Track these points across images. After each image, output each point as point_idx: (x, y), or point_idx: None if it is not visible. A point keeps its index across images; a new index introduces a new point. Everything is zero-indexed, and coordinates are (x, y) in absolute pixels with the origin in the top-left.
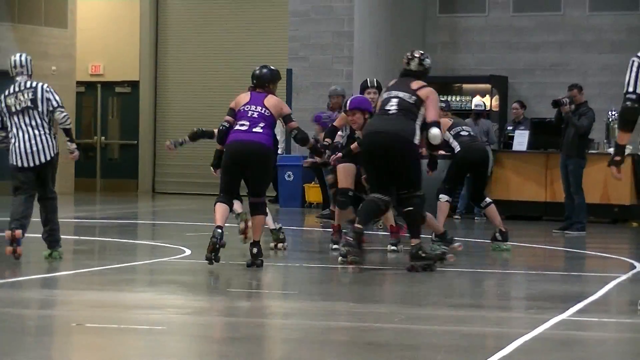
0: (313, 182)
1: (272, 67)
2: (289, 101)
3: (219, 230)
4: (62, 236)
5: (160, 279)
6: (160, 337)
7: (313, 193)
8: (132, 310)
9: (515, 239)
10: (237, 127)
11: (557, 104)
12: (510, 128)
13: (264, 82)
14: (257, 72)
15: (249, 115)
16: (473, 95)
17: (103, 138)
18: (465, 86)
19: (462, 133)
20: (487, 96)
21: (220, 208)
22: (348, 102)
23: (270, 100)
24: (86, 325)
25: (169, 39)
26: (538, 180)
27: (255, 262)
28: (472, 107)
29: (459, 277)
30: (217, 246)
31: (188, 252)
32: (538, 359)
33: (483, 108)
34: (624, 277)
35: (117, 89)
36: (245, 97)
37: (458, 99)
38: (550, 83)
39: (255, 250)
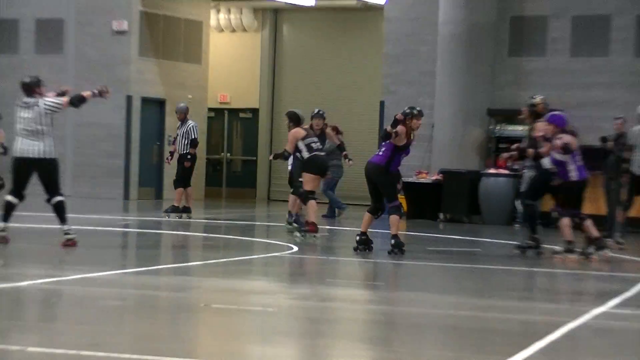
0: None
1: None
2: (382, 127)
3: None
4: (194, 233)
5: (271, 270)
6: (271, 318)
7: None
8: (249, 295)
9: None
10: None
11: (604, 139)
12: None
13: None
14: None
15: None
16: None
17: (228, 154)
18: None
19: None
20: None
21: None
22: None
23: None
24: (212, 306)
25: (284, 74)
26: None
27: (394, 250)
28: None
29: (514, 274)
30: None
31: (295, 248)
32: (581, 345)
33: None
34: None
35: (241, 115)
36: None
37: (521, 128)
38: (597, 117)
39: (393, 241)
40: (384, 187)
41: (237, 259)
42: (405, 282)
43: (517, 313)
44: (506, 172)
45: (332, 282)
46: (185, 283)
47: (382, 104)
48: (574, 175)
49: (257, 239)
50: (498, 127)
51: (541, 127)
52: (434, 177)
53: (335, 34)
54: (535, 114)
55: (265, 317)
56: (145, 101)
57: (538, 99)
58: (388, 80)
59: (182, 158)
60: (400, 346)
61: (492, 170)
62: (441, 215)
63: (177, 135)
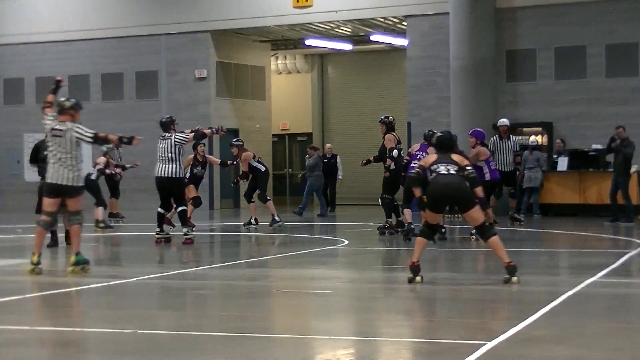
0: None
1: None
2: (409, 144)
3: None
4: (264, 234)
5: (328, 260)
6: (329, 299)
7: None
8: (310, 281)
9: (566, 229)
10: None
11: (611, 139)
12: (555, 156)
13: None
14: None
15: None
16: (529, 135)
17: (290, 170)
18: (525, 129)
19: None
20: (539, 136)
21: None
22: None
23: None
24: (282, 291)
25: (330, 104)
26: (574, 190)
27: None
28: (529, 143)
29: (521, 255)
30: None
31: (346, 242)
32: (578, 309)
33: (536, 144)
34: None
35: (298, 138)
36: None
37: (520, 138)
38: (580, 127)
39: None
40: None
41: (299, 252)
42: (437, 266)
43: (524, 285)
44: None
45: (378, 268)
46: (259, 274)
47: (409, 124)
48: (488, 176)
49: (315, 236)
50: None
51: (391, 138)
52: None
53: (369, 71)
54: (388, 128)
55: (325, 298)
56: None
57: (390, 117)
58: (412, 105)
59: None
60: (432, 316)
61: None
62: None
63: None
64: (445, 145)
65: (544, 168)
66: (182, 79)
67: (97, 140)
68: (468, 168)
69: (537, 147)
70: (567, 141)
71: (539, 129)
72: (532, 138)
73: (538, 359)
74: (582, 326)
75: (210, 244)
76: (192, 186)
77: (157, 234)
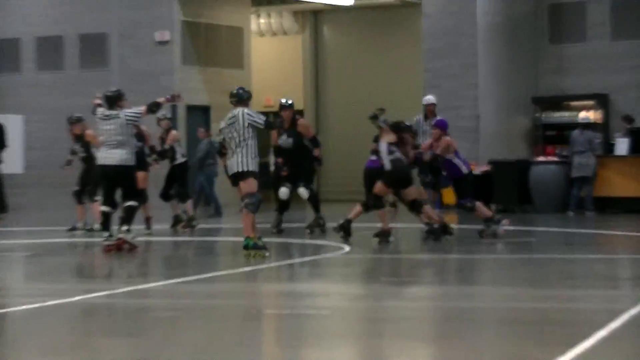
0: (449, 187)
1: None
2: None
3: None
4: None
5: (325, 271)
6: (326, 321)
7: (449, 196)
8: (301, 298)
9: (627, 229)
10: None
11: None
12: (614, 138)
13: None
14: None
15: None
16: (578, 111)
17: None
18: (573, 103)
19: None
20: (592, 111)
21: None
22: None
23: None
24: (265, 312)
25: (327, 74)
26: (637, 180)
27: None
28: (579, 121)
29: (572, 262)
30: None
31: (347, 248)
32: None
33: (587, 121)
34: None
35: None
36: None
37: (567, 114)
38: None
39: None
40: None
41: (289, 262)
42: (459, 277)
43: (576, 302)
44: (556, 159)
45: (386, 281)
46: (236, 290)
47: None
48: (464, 169)
49: (309, 241)
50: (543, 115)
51: (303, 122)
52: (482, 169)
53: (374, 32)
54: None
55: (319, 321)
56: (190, 109)
57: (291, 100)
58: (429, 75)
59: None
60: (459, 343)
61: (541, 158)
62: (492, 207)
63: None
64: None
65: (598, 152)
66: (139, 43)
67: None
68: None
69: (588, 126)
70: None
71: (591, 102)
72: (583, 114)
73: None
74: None
75: (176, 252)
76: (143, 174)
77: (105, 239)
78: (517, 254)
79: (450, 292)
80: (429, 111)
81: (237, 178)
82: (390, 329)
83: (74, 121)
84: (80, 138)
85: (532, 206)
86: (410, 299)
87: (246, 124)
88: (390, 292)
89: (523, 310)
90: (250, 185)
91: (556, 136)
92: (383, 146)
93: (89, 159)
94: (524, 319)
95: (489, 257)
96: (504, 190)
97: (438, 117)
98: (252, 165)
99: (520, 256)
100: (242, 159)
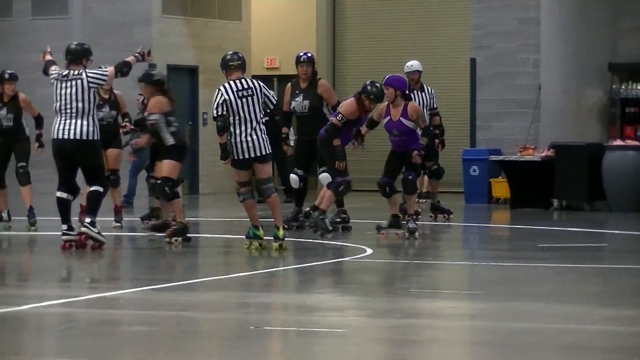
0: (500, 177)
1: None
2: (473, 91)
3: None
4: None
5: (341, 279)
6: (340, 341)
7: (499, 188)
8: (312, 313)
9: None
10: None
11: None
12: None
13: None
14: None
15: None
16: None
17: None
18: None
19: None
20: None
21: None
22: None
23: None
24: (264, 329)
25: (346, 31)
26: None
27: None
28: None
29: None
30: None
31: (369, 251)
32: None
33: None
34: None
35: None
36: None
37: None
38: None
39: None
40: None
41: (297, 266)
42: (511, 290)
43: (616, 324)
44: (637, 143)
45: (417, 293)
46: (229, 300)
47: (472, 62)
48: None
49: (322, 241)
50: (623, 87)
51: (326, 84)
52: (543, 154)
53: None
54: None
55: (332, 340)
56: (172, 70)
57: (310, 53)
58: (479, 32)
59: None
60: None
61: (618, 142)
62: (555, 202)
63: None
64: None
65: None
66: None
67: None
68: None
69: None
70: None
71: None
72: None
73: None
74: None
75: (153, 252)
76: (115, 152)
77: (63, 233)
78: (584, 263)
79: (497, 308)
80: (413, 80)
81: (255, 161)
82: (420, 354)
83: (6, 79)
84: (9, 103)
85: (605, 203)
86: (446, 316)
87: (262, 99)
88: (420, 307)
89: (590, 334)
90: (269, 169)
91: (638, 114)
92: None
93: (13, 132)
94: (590, 345)
95: (547, 266)
96: (570, 181)
97: (390, 75)
98: (270, 147)
99: (588, 266)
100: (262, 139)
